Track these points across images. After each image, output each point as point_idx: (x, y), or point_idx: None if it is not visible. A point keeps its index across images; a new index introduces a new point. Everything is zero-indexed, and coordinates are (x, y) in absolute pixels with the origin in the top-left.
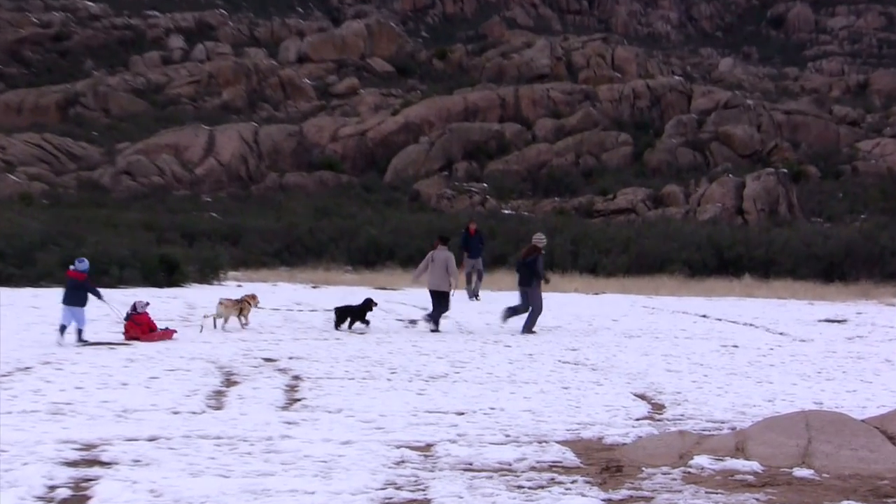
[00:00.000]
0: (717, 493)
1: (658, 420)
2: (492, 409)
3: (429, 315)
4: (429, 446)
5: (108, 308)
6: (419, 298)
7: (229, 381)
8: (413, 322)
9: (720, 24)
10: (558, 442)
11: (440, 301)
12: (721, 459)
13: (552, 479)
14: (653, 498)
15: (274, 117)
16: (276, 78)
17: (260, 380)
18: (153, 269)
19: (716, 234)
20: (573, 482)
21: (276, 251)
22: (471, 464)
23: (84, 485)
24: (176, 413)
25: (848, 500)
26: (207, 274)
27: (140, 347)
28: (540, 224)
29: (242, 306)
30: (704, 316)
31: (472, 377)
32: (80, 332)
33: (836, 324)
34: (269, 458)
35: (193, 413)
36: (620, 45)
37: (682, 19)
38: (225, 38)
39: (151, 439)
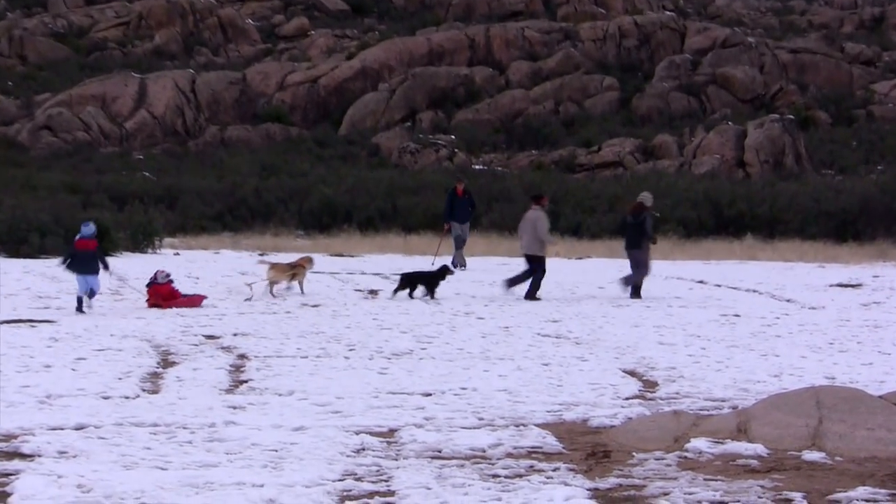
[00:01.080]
0: (716, 480)
1: (650, 399)
2: (463, 389)
3: (525, 286)
4: (392, 432)
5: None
6: (380, 266)
7: (166, 362)
8: (373, 292)
9: None
10: (538, 425)
11: (534, 266)
12: (721, 442)
13: (531, 466)
14: (644, 486)
15: (213, 63)
16: (214, 18)
17: (201, 359)
18: None
19: (714, 189)
20: (555, 470)
21: (217, 215)
22: (439, 451)
23: (3, 480)
24: (106, 398)
25: (864, 485)
26: (140, 241)
27: (65, 325)
28: (515, 180)
29: (297, 271)
30: (701, 282)
31: (440, 353)
32: (92, 293)
33: (849, 289)
34: (212, 448)
35: (126, 398)
36: None
37: None
38: None
39: (79, 428)
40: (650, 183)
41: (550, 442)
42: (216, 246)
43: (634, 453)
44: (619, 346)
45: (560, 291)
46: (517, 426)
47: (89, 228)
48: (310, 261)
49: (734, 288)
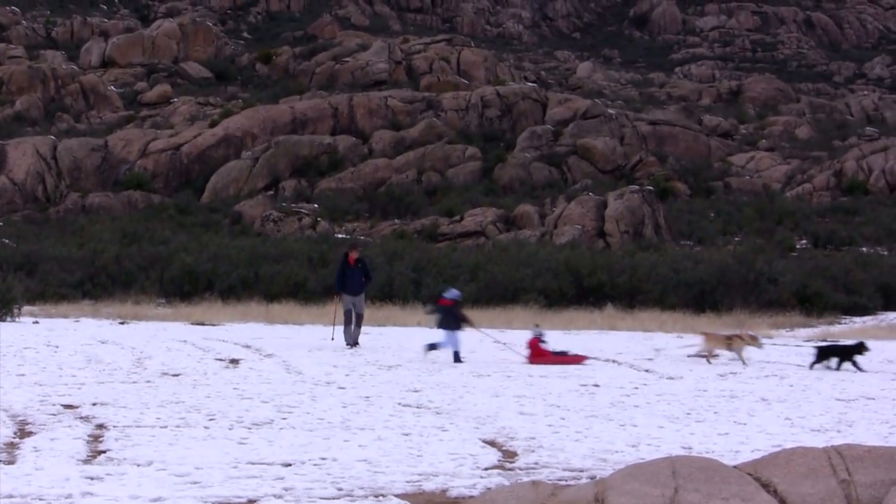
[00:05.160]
0: None
1: (509, 469)
2: (323, 459)
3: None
4: (251, 502)
5: (480, 333)
6: (241, 335)
7: (23, 432)
8: (234, 362)
9: (578, 24)
10: (397, 495)
11: None
12: None
13: None
14: None
15: (75, 129)
16: (76, 85)
17: (59, 429)
18: None
19: (575, 259)
20: None
21: (77, 282)
22: None
23: None
24: None
25: None
26: None
27: None
28: (378, 249)
29: (732, 341)
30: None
31: (300, 423)
32: (455, 354)
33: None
34: None
35: None
36: (467, 48)
37: (536, 18)
38: (17, 40)
39: None
40: (511, 253)
41: None
42: (76, 314)
43: None
44: (479, 415)
45: (421, 362)
46: (376, 496)
47: (451, 293)
48: (754, 339)
49: (594, 358)
